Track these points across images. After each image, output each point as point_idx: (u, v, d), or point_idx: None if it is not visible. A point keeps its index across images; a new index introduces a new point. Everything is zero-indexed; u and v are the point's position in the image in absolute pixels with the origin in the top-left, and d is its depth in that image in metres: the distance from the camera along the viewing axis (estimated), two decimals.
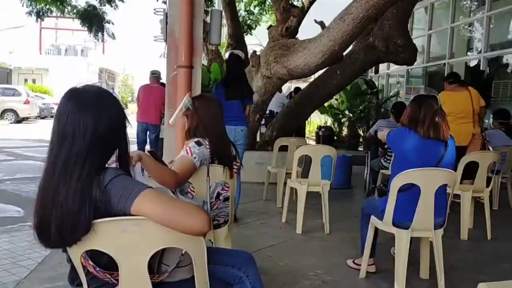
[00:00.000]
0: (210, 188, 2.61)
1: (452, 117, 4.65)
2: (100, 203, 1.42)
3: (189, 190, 2.64)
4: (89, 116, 1.46)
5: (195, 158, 2.54)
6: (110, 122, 1.51)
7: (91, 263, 1.50)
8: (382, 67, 14.41)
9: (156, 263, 1.59)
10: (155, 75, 7.76)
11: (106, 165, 1.52)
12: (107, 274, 1.52)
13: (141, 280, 1.45)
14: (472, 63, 10.44)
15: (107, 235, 1.42)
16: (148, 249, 1.44)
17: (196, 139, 2.64)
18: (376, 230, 3.22)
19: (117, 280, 1.53)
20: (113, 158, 1.57)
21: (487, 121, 8.36)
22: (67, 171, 1.43)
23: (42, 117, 24.02)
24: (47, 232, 1.44)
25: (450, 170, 2.88)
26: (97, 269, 1.51)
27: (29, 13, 10.66)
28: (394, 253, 3.36)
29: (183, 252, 1.63)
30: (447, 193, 2.96)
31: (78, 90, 1.54)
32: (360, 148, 11.89)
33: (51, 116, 24.25)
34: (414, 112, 2.97)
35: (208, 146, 2.63)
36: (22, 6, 10.34)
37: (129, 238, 1.42)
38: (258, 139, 8.17)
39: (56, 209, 1.42)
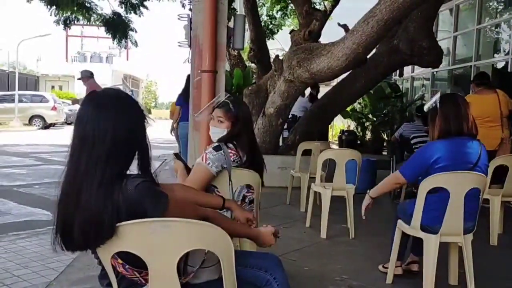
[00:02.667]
0: (235, 191, 2.62)
1: (479, 121, 4.54)
2: (123, 208, 1.43)
3: (214, 194, 2.65)
4: (108, 118, 1.47)
5: (209, 164, 2.54)
6: (129, 123, 1.51)
7: (120, 261, 1.51)
8: (407, 70, 14.21)
9: (181, 265, 1.60)
10: (91, 75, 7.97)
11: (128, 171, 1.53)
12: (136, 273, 1.53)
13: (170, 281, 1.46)
14: (500, 65, 10.21)
15: (136, 237, 1.44)
16: (177, 250, 1.45)
17: (216, 144, 2.63)
18: (407, 234, 3.16)
19: (146, 280, 1.54)
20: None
21: None
22: (89, 175, 1.43)
23: (68, 123, 24.51)
24: (70, 236, 1.46)
25: (480, 174, 2.81)
26: (126, 266, 1.52)
27: (57, 21, 10.92)
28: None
29: (206, 252, 1.65)
30: (479, 197, 2.88)
31: (96, 93, 1.55)
32: (384, 153, 11.75)
33: None
34: (447, 112, 2.87)
35: (231, 152, 2.61)
36: (50, 15, 10.60)
37: (158, 239, 1.43)
38: (280, 144, 8.15)
39: (79, 213, 1.43)
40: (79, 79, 8.14)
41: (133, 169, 1.57)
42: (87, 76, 8.03)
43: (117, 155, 1.47)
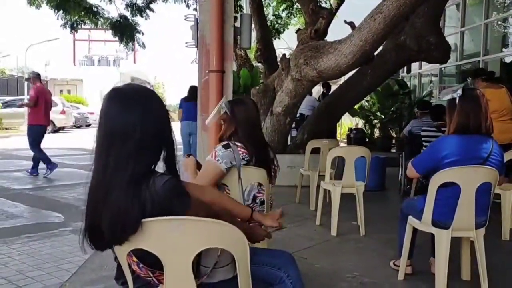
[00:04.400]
0: (245, 190, 2.63)
1: (496, 115, 4.51)
2: (149, 205, 1.43)
3: (224, 192, 2.67)
4: (137, 115, 1.46)
5: (218, 160, 2.56)
6: (157, 120, 1.51)
7: (135, 259, 1.52)
8: (414, 66, 14.13)
9: (195, 266, 1.60)
10: (37, 76, 8.04)
11: (160, 164, 1.53)
12: (149, 272, 1.54)
13: (185, 280, 1.47)
14: (508, 60, 10.13)
15: (154, 234, 1.44)
16: (192, 248, 1.46)
17: (225, 142, 2.66)
18: (415, 230, 3.15)
19: (159, 281, 1.55)
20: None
21: None
22: (119, 171, 1.43)
23: (77, 126, 24.70)
24: (99, 232, 1.46)
25: (491, 168, 2.78)
26: (141, 265, 1.53)
27: (64, 25, 11.00)
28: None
29: (219, 253, 1.65)
30: (490, 191, 2.86)
31: (121, 89, 1.54)
32: (393, 150, 11.69)
33: (86, 125, 24.94)
34: (468, 109, 2.81)
35: (240, 150, 2.63)
36: (57, 19, 10.69)
37: (174, 238, 1.44)
38: (289, 143, 8.15)
39: (108, 208, 1.43)
40: (26, 79, 8.24)
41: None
42: (34, 77, 8.11)
43: (146, 150, 1.47)
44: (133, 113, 1.46)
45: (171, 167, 1.57)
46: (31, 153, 8.17)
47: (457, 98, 2.87)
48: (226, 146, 2.61)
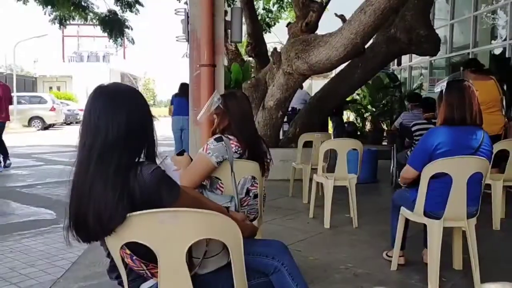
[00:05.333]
0: (238, 183, 2.63)
1: (483, 107, 4.54)
2: (138, 194, 1.45)
3: (217, 186, 2.67)
4: (123, 112, 1.50)
5: (209, 153, 2.56)
6: (141, 117, 1.55)
7: (128, 252, 1.53)
8: (405, 59, 14.22)
9: (187, 257, 1.61)
10: None
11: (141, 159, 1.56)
12: (143, 265, 1.55)
13: (179, 271, 1.47)
14: (497, 51, 10.20)
15: (145, 227, 1.45)
16: (185, 239, 1.46)
17: (217, 135, 2.65)
18: (407, 221, 3.18)
19: (152, 273, 1.56)
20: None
21: None
22: (104, 162, 1.46)
23: (67, 123, 24.54)
24: (85, 224, 1.47)
25: (483, 158, 2.81)
26: (134, 257, 1.54)
27: (52, 20, 10.90)
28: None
29: (207, 244, 1.67)
30: (481, 181, 2.89)
31: (107, 87, 1.57)
32: (384, 143, 11.76)
33: (76, 122, 24.79)
34: (452, 101, 2.83)
35: (232, 143, 2.63)
36: (45, 14, 10.59)
37: (167, 229, 1.44)
38: (281, 137, 8.16)
39: (94, 200, 1.45)
40: None
41: None
42: None
43: (130, 145, 1.51)
44: (117, 109, 1.50)
45: (151, 160, 1.60)
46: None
47: (443, 89, 2.90)
48: (219, 139, 2.61)
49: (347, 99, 10.78)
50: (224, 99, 2.74)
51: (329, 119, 10.42)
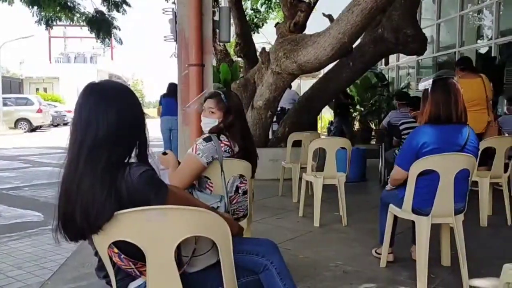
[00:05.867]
0: (228, 182, 2.62)
1: (467, 105, 4.58)
2: (126, 195, 1.45)
3: (207, 186, 2.66)
4: (113, 108, 1.49)
5: (199, 154, 2.54)
6: (132, 114, 1.54)
7: (116, 250, 1.52)
8: (392, 59, 14.33)
9: (176, 256, 1.61)
10: None
11: (131, 160, 1.55)
12: (131, 263, 1.54)
13: (168, 269, 1.47)
14: (483, 50, 10.32)
15: (133, 225, 1.44)
16: (174, 237, 1.46)
17: (206, 135, 2.64)
18: (395, 219, 3.20)
19: (140, 272, 1.55)
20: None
21: (499, 108, 8.28)
22: (93, 159, 1.45)
23: (55, 125, 24.31)
24: (73, 222, 1.46)
25: (469, 155, 2.84)
26: (122, 256, 1.53)
27: (39, 21, 10.78)
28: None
29: (196, 241, 1.66)
30: (468, 178, 2.92)
31: (99, 84, 1.56)
32: (373, 142, 11.83)
33: (64, 124, 24.58)
34: (437, 99, 2.85)
35: (222, 142, 2.62)
36: (33, 15, 10.47)
37: (155, 227, 1.44)
38: (270, 137, 8.17)
39: (81, 197, 1.44)
40: None
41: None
42: None
43: (121, 141, 1.50)
44: (108, 106, 1.49)
45: (144, 161, 1.59)
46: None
47: (429, 88, 2.91)
48: (208, 140, 2.59)
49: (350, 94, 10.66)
50: (229, 95, 2.71)
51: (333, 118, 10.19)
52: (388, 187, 3.24)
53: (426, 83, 2.97)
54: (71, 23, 12.10)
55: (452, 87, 2.86)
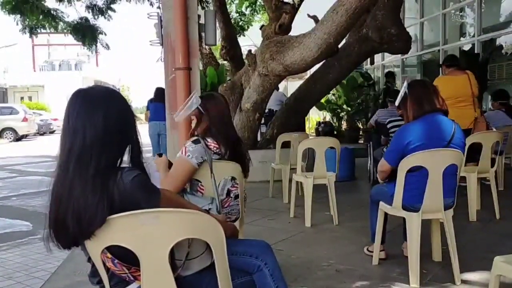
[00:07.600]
0: (218, 184, 2.62)
1: (452, 101, 4.63)
2: (117, 200, 1.44)
3: (198, 188, 2.66)
4: (99, 112, 1.48)
5: (189, 156, 2.55)
6: (120, 118, 1.53)
7: (109, 255, 1.50)
8: (377, 58, 14.44)
9: (169, 259, 1.60)
10: None
11: (123, 164, 1.54)
12: (124, 268, 1.52)
13: (162, 272, 1.46)
14: (466, 48, 10.46)
15: (125, 229, 1.43)
16: (168, 240, 1.45)
17: (195, 138, 2.64)
18: (386, 216, 3.23)
19: (134, 277, 1.54)
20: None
21: (484, 105, 8.39)
22: (83, 165, 1.44)
23: (41, 133, 24.04)
24: (64, 229, 1.45)
25: (457, 150, 2.88)
26: (115, 261, 1.51)
27: (23, 29, 10.68)
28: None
29: (189, 244, 1.66)
30: (456, 173, 2.96)
31: (85, 89, 1.56)
32: (361, 141, 11.90)
33: (50, 132, 24.32)
34: (418, 94, 2.95)
35: (210, 144, 2.62)
36: (17, 24, 10.38)
37: (148, 231, 1.43)
38: (259, 138, 8.17)
39: (73, 203, 1.43)
40: None
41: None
42: None
43: (110, 145, 1.49)
44: (93, 110, 1.48)
45: (137, 163, 1.59)
46: None
47: (406, 90, 2.99)
48: (196, 141, 2.60)
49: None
50: (203, 101, 2.72)
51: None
52: (381, 181, 3.27)
53: (402, 92, 3.07)
54: (56, 31, 12.00)
55: (427, 82, 3.01)
